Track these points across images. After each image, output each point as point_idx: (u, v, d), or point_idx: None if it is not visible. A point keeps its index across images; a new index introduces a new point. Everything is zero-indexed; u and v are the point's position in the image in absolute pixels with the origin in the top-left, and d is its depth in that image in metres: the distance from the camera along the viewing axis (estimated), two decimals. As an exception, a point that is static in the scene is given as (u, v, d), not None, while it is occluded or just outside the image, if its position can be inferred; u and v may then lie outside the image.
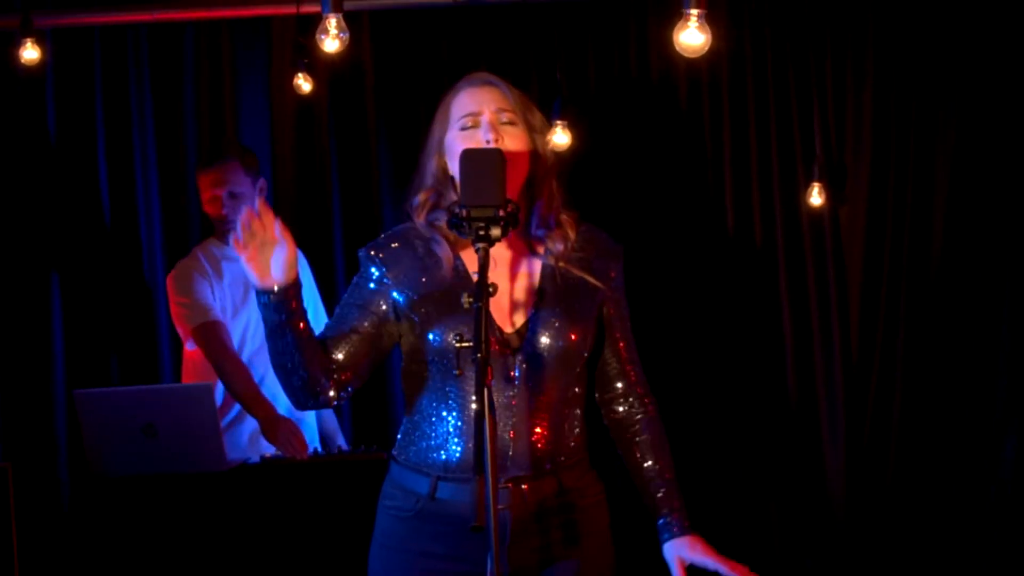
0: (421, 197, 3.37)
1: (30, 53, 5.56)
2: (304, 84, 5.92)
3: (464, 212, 3.01)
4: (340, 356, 3.28)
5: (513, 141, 3.26)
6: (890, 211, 6.07)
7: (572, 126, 5.80)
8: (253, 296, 5.27)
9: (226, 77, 6.39)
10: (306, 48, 5.88)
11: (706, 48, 3.75)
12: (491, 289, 2.90)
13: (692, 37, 3.71)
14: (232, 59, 6.40)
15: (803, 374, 6.12)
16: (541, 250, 3.35)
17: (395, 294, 3.30)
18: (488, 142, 3.23)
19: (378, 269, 3.32)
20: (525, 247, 3.36)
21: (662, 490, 3.40)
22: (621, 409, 3.46)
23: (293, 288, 3.15)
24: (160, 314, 6.29)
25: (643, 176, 6.15)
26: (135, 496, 5.01)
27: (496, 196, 3.02)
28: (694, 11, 3.71)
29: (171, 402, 4.95)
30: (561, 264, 3.33)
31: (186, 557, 4.97)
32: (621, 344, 3.45)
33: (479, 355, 2.79)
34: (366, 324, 3.31)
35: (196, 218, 6.32)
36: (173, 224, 6.38)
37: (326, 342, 3.28)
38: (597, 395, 3.48)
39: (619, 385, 3.46)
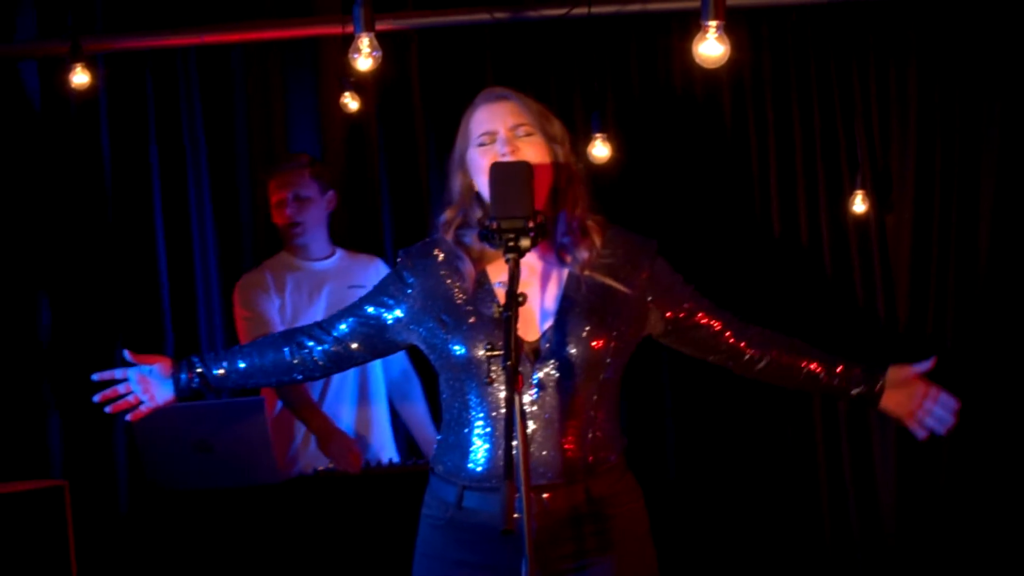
0: (448, 215, 3.45)
1: (80, 77, 5.65)
2: (351, 102, 5.98)
3: (494, 224, 3.07)
4: (334, 326, 3.53)
5: (532, 152, 3.32)
6: (936, 218, 6.05)
7: (618, 137, 5.86)
8: (314, 305, 5.40)
9: (276, 97, 6.48)
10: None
11: (725, 59, 3.79)
12: (520, 299, 2.94)
13: (711, 48, 3.75)
14: (281, 79, 6.48)
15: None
16: (567, 259, 3.40)
17: (417, 302, 3.39)
18: (504, 155, 3.30)
19: (409, 275, 3.42)
20: (551, 256, 3.41)
21: (828, 361, 3.56)
22: (733, 361, 3.55)
23: (185, 377, 3.60)
24: (215, 329, 6.39)
25: (689, 187, 6.17)
26: (191, 510, 5.11)
27: (525, 208, 3.07)
28: (712, 23, 3.75)
29: (225, 417, 5.03)
30: (586, 272, 3.38)
31: (241, 569, 5.03)
32: (689, 311, 3.50)
33: (508, 363, 2.83)
34: (370, 310, 3.48)
35: (248, 238, 6.43)
36: (226, 244, 6.46)
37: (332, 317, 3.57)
38: (713, 359, 3.56)
39: (718, 342, 3.53)
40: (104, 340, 6.32)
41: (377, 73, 5.68)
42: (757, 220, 6.17)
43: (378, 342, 3.52)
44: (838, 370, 3.54)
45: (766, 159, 6.18)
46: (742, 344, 3.53)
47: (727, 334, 3.52)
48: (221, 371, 3.57)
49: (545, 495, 3.28)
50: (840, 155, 6.13)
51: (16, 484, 5.22)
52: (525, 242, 3.05)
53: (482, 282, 3.37)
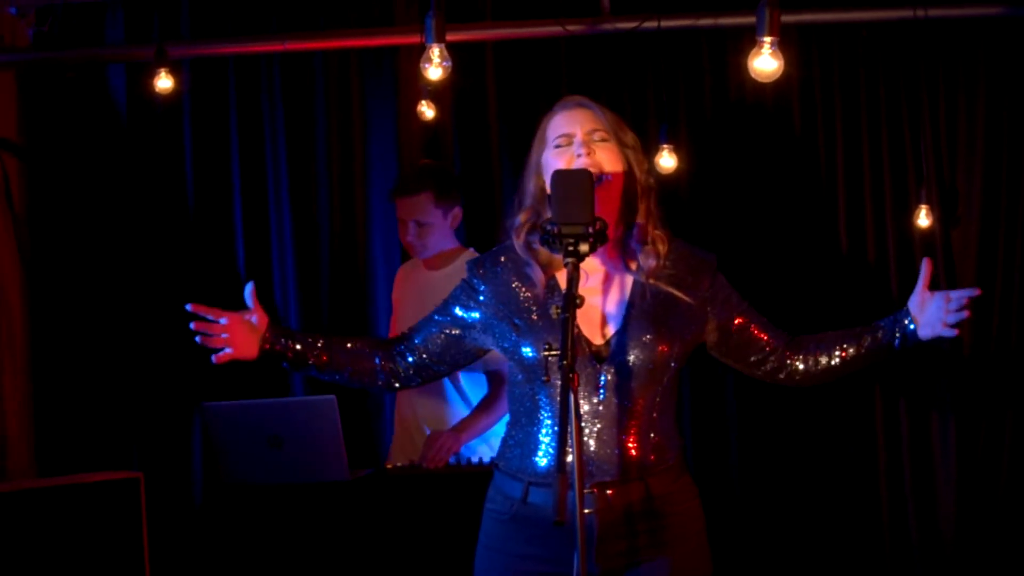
0: (521, 218, 3.56)
1: (164, 82, 5.78)
2: (427, 111, 6.07)
3: (556, 229, 3.17)
4: (413, 338, 3.65)
5: (606, 156, 3.43)
6: (1002, 233, 6.06)
7: (687, 149, 5.94)
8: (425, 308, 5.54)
9: (355, 104, 6.57)
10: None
11: (779, 74, 3.88)
12: (579, 301, 3.03)
13: (765, 63, 3.85)
14: (361, 86, 6.58)
15: (915, 395, 6.14)
16: (634, 266, 3.50)
17: (489, 308, 3.50)
18: (579, 156, 3.41)
19: (480, 283, 3.54)
20: (619, 263, 3.52)
21: (853, 337, 3.63)
22: (783, 374, 3.64)
23: (272, 345, 3.61)
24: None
25: (756, 200, 6.22)
26: (262, 504, 5.19)
27: (585, 214, 3.17)
28: (767, 39, 3.85)
29: (296, 414, 5.10)
30: (651, 280, 3.48)
31: (310, 564, 5.12)
32: (742, 325, 3.59)
33: (564, 362, 2.91)
34: (446, 319, 3.60)
35: (325, 243, 6.54)
36: (304, 248, 6.58)
37: (411, 329, 3.66)
38: (760, 374, 3.65)
39: (766, 355, 3.62)
40: (184, 337, 6.42)
41: (454, 82, 5.81)
42: (824, 234, 6.21)
43: (456, 352, 3.64)
44: (866, 342, 3.61)
45: (834, 174, 6.21)
46: (787, 358, 3.63)
47: (776, 347, 3.62)
48: (311, 359, 3.63)
49: (608, 491, 3.38)
50: (907, 170, 6.15)
51: (94, 475, 5.34)
52: (584, 247, 3.14)
53: (552, 286, 3.48)
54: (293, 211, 6.58)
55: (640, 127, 6.04)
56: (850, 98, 6.21)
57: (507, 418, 5.09)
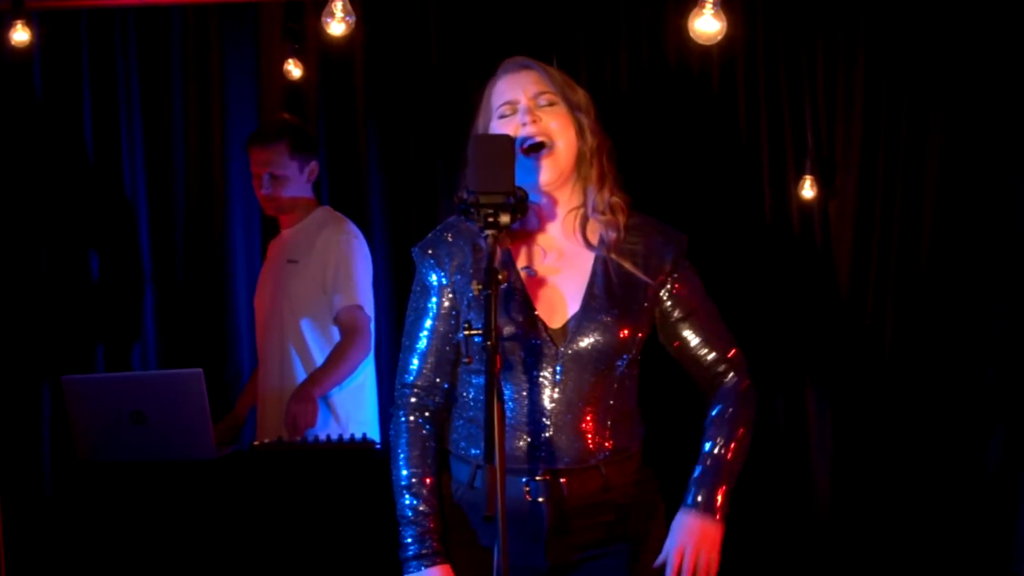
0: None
1: (20, 35, 5.52)
2: (295, 70, 5.92)
3: (473, 198, 2.99)
4: (438, 384, 3.37)
5: (554, 122, 3.25)
6: (879, 205, 6.01)
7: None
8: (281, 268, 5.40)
9: (214, 61, 6.35)
10: (297, 33, 5.87)
11: (720, 35, 3.74)
12: (500, 278, 2.89)
13: (707, 24, 3.70)
14: (220, 43, 6.35)
15: (791, 367, 6.10)
16: (594, 240, 3.32)
17: (455, 290, 3.30)
18: (525, 125, 3.24)
19: (435, 272, 3.32)
20: (578, 238, 3.33)
21: (696, 470, 3.40)
22: (708, 388, 3.48)
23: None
24: (147, 300, 6.28)
25: (635, 170, 6.10)
26: (122, 483, 4.98)
27: (505, 182, 3.01)
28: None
29: (161, 389, 4.91)
30: (613, 256, 3.31)
31: (173, 546, 4.93)
32: (692, 326, 3.43)
33: (488, 343, 2.79)
34: (437, 341, 3.35)
35: (182, 202, 6.32)
36: (159, 207, 6.35)
37: (421, 377, 3.37)
38: (692, 376, 3.50)
39: (701, 364, 3.47)
40: (40, 312, 6.21)
41: (318, 41, 5.64)
42: (700, 204, 6.09)
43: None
44: (695, 472, 3.43)
45: (711, 143, 6.12)
46: (712, 375, 3.50)
47: (706, 374, 3.49)
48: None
49: (562, 479, 3.22)
50: (786, 141, 6.07)
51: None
52: (505, 218, 2.99)
53: (505, 261, 3.28)
54: (147, 171, 6.34)
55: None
56: (726, 68, 6.10)
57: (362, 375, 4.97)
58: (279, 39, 6.14)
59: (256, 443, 5.06)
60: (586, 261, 3.32)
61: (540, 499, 3.18)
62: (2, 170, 6.25)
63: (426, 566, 3.21)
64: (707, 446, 3.39)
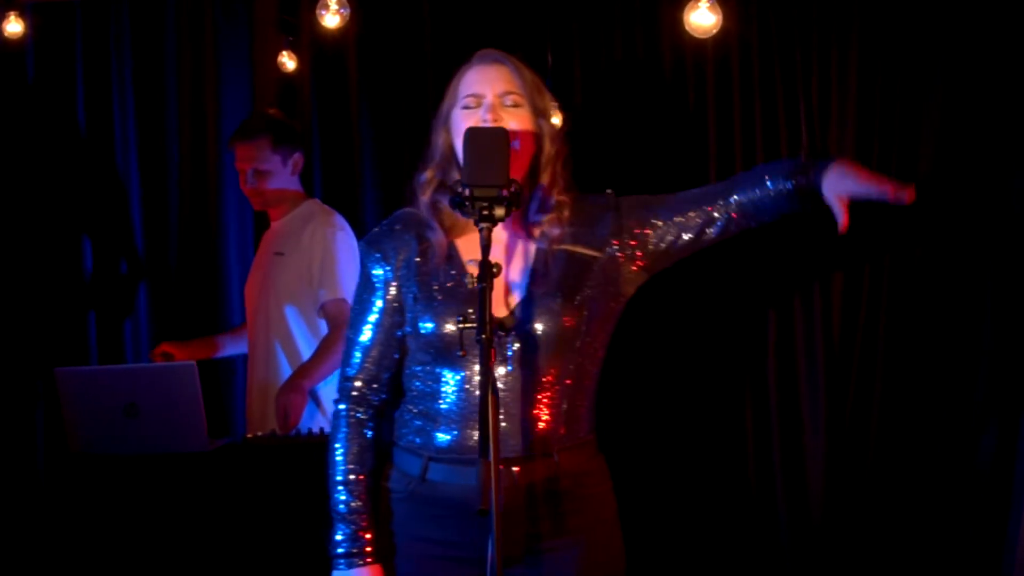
0: (428, 174, 3.38)
1: (13, 27, 5.52)
2: (288, 62, 5.91)
3: (467, 191, 2.98)
4: (382, 382, 3.39)
5: (516, 124, 3.24)
6: (873, 200, 6.00)
7: (572, 109, 5.77)
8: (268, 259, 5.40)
9: (208, 53, 6.32)
10: (292, 26, 5.86)
11: (716, 29, 3.73)
12: (495, 270, 2.88)
13: (703, 17, 3.70)
14: (214, 35, 6.32)
15: (785, 360, 6.09)
16: (537, 233, 3.33)
17: (400, 284, 3.28)
18: (484, 122, 3.22)
19: (380, 266, 3.31)
20: (521, 229, 3.34)
21: (784, 168, 3.51)
22: (734, 225, 3.55)
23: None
24: (140, 290, 6.29)
25: (626, 162, 6.10)
26: (115, 476, 5.00)
27: (500, 176, 2.99)
28: (705, -8, 3.70)
29: (154, 381, 4.93)
30: (554, 247, 3.32)
31: (166, 538, 4.95)
32: (676, 203, 3.49)
33: (483, 336, 2.78)
34: (382, 336, 3.35)
35: (175, 195, 6.29)
36: (153, 198, 6.33)
37: (364, 371, 3.37)
38: (714, 234, 3.55)
39: (704, 208, 3.50)
40: (34, 302, 6.20)
41: (313, 34, 5.63)
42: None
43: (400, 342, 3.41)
44: (780, 173, 3.53)
45: (705, 136, 6.09)
46: (729, 209, 3.53)
47: (715, 206, 3.52)
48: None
49: (515, 468, 3.21)
50: (780, 133, 6.05)
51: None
52: (499, 211, 2.98)
53: (451, 255, 3.28)
54: (141, 161, 6.32)
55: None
56: (721, 60, 6.05)
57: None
58: (273, 31, 6.12)
59: (249, 435, 5.05)
60: (529, 251, 3.33)
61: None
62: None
63: (357, 565, 3.21)
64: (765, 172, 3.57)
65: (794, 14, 5.95)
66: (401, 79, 6.13)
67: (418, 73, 6.11)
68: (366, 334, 3.35)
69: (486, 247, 2.91)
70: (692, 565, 6.09)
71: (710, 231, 3.48)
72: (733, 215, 3.50)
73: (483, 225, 2.95)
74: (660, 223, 3.44)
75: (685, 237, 3.46)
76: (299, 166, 5.55)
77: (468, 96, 3.30)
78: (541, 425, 3.23)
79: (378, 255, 3.33)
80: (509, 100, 3.28)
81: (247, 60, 6.30)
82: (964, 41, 5.87)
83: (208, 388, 5.20)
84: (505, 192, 2.98)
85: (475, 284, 2.86)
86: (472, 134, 3.05)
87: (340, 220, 5.58)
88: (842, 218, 3.43)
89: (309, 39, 6.07)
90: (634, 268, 3.41)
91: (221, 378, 6.26)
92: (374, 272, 3.33)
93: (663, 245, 3.44)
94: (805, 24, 5.98)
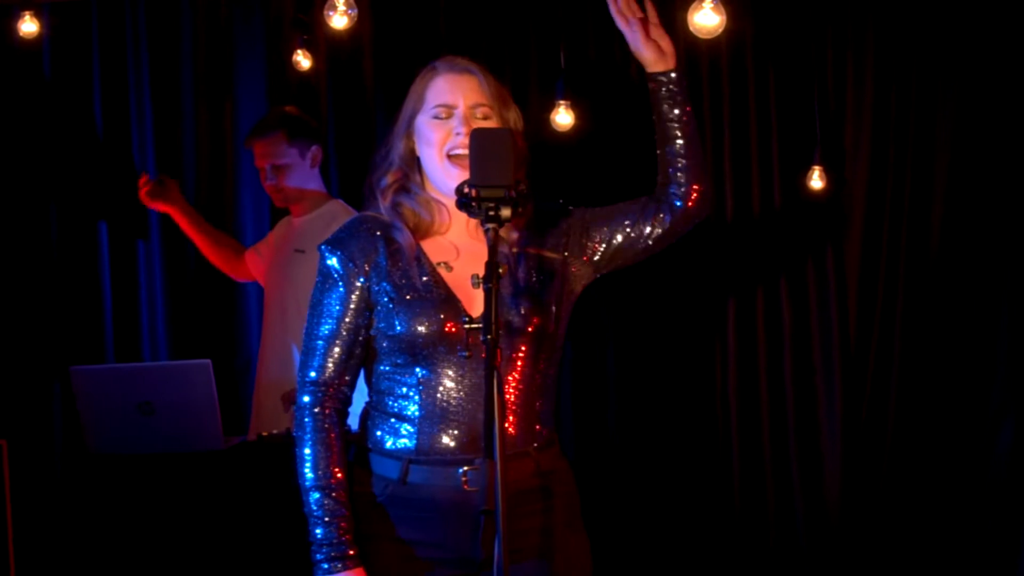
0: (389, 179, 3.36)
1: (28, 26, 5.53)
2: (303, 61, 5.91)
3: (474, 192, 2.97)
4: (346, 381, 3.33)
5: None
6: (889, 196, 5.98)
7: (580, 106, 5.77)
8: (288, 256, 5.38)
9: (224, 51, 6.35)
10: (306, 24, 5.87)
11: (720, 30, 3.73)
12: (501, 270, 2.86)
13: (707, 18, 3.69)
14: (230, 33, 6.35)
15: (801, 358, 6.08)
16: (505, 236, 3.32)
17: (370, 285, 3.27)
18: (458, 135, 3.23)
19: (344, 266, 3.28)
20: (479, 235, 3.29)
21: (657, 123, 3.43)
22: (665, 209, 3.42)
23: None
24: (155, 279, 6.35)
25: (641, 159, 6.08)
26: (130, 475, 5.01)
27: (506, 176, 2.97)
28: (710, -8, 3.70)
29: (169, 380, 4.93)
30: (515, 250, 3.32)
31: (180, 536, 4.95)
32: (616, 211, 3.43)
33: (489, 336, 2.76)
34: (344, 333, 3.30)
35: (192, 193, 6.30)
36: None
37: (326, 372, 3.31)
38: (653, 233, 3.41)
39: (643, 202, 3.44)
40: (43, 307, 6.22)
41: (328, 32, 5.64)
42: (717, 196, 6.09)
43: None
44: (658, 113, 3.44)
45: (720, 133, 6.10)
46: (658, 196, 3.45)
47: (642, 201, 3.45)
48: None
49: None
50: (796, 131, 6.05)
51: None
52: (506, 211, 2.95)
53: (419, 256, 3.27)
54: (157, 160, 6.32)
55: (523, 83, 5.96)
56: (736, 57, 6.08)
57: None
58: (288, 28, 6.13)
59: (264, 434, 5.06)
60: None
61: (477, 488, 3.11)
62: (13, 159, 6.25)
63: (340, 569, 3.18)
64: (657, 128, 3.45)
65: (810, 11, 5.96)
66: (417, 73, 6.13)
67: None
68: (329, 333, 3.31)
69: (493, 248, 2.90)
70: (708, 566, 6.10)
71: (647, 217, 3.41)
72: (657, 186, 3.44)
73: (489, 226, 2.93)
74: (605, 226, 3.41)
75: (627, 229, 3.40)
76: (318, 159, 5.54)
77: (438, 106, 3.29)
78: (520, 423, 3.24)
79: (341, 254, 3.30)
80: (480, 112, 3.27)
81: (263, 57, 6.32)
82: (981, 35, 5.87)
83: (223, 386, 5.21)
84: (511, 192, 2.97)
85: (482, 285, 2.86)
86: (477, 135, 3.03)
87: None
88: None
89: (324, 37, 6.08)
90: (583, 269, 3.40)
91: (240, 372, 6.27)
92: (337, 272, 3.30)
93: (608, 245, 3.40)
94: (820, 20, 5.99)
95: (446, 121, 3.27)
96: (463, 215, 3.10)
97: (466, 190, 3.01)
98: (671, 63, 3.38)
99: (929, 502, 5.97)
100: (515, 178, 3.02)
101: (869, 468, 6.03)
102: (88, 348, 6.20)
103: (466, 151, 3.15)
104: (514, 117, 3.36)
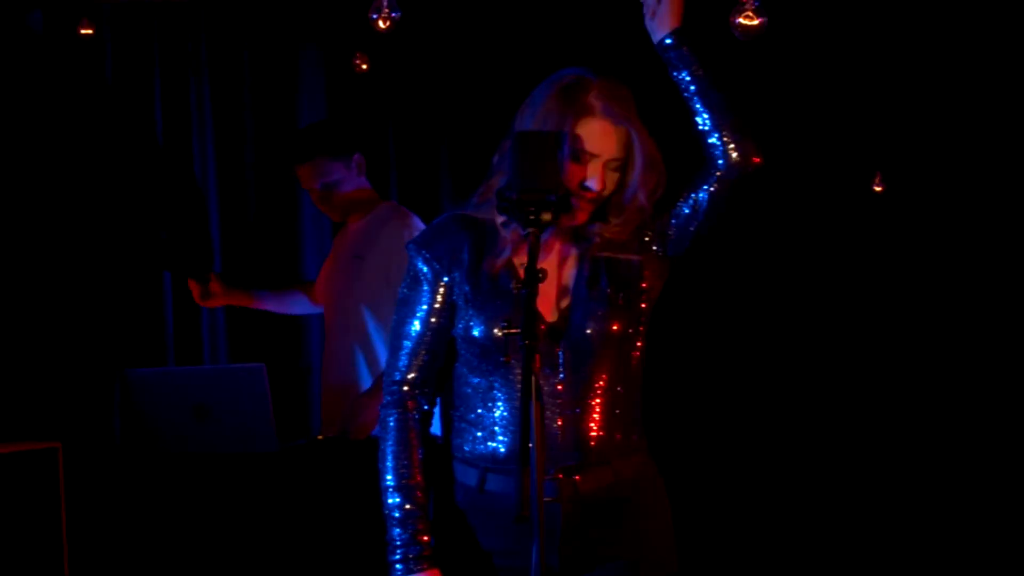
0: (493, 181, 3.28)
1: (85, 28, 5.58)
2: (361, 64, 5.93)
3: (514, 196, 2.95)
4: (430, 387, 3.30)
5: (610, 187, 3.18)
6: (948, 200, 6.02)
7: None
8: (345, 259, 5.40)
9: (285, 50, 6.43)
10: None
11: (762, 31, 3.70)
12: (540, 275, 2.84)
13: (749, 20, 3.67)
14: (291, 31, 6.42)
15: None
16: (589, 239, 3.29)
17: (452, 285, 3.25)
18: (593, 179, 3.14)
19: (430, 266, 3.26)
20: (569, 234, 3.29)
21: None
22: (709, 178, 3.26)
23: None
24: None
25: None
26: (186, 476, 5.03)
27: (549, 180, 2.94)
28: (750, -7, 3.67)
29: (223, 383, 4.96)
30: (602, 253, 3.26)
31: (236, 539, 4.97)
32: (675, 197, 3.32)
33: (526, 342, 2.74)
34: (428, 334, 3.27)
35: (253, 198, 6.36)
36: (229, 207, 6.42)
37: (411, 373, 3.29)
38: (703, 196, 3.26)
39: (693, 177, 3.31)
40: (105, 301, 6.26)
41: (389, 31, 5.65)
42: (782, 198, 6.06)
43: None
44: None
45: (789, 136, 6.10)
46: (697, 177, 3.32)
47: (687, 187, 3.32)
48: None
49: (575, 476, 3.17)
50: (858, 134, 6.05)
51: (9, 445, 5.13)
52: (547, 216, 2.92)
53: (508, 261, 3.24)
54: (218, 166, 6.39)
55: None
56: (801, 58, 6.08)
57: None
58: (348, 30, 6.15)
59: (319, 436, 5.07)
60: (575, 255, 3.26)
61: (550, 499, 3.10)
62: (74, 163, 6.28)
63: (416, 570, 3.17)
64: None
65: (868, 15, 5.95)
66: (482, 78, 6.15)
67: (499, 74, 6.10)
68: (414, 333, 3.31)
69: (533, 252, 2.87)
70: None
71: (697, 185, 3.30)
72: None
73: (529, 231, 2.92)
74: (667, 212, 3.34)
75: (684, 206, 3.31)
76: (363, 166, 5.53)
77: (586, 151, 3.17)
78: (595, 433, 3.19)
79: (428, 254, 3.28)
80: (614, 165, 3.18)
81: (322, 61, 6.34)
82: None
83: (285, 388, 5.23)
84: (553, 197, 2.94)
85: (520, 289, 2.84)
86: (521, 139, 3.00)
87: (417, 221, 5.57)
88: None
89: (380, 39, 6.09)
90: (659, 264, 3.34)
91: (304, 370, 6.30)
92: (424, 272, 3.28)
93: (674, 229, 3.32)
94: (880, 23, 5.98)
95: (580, 165, 3.17)
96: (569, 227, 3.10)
97: (507, 194, 2.99)
98: (671, 25, 3.20)
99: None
100: (557, 182, 2.99)
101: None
102: (149, 351, 6.24)
103: (593, 198, 3.15)
104: (648, 159, 3.23)
